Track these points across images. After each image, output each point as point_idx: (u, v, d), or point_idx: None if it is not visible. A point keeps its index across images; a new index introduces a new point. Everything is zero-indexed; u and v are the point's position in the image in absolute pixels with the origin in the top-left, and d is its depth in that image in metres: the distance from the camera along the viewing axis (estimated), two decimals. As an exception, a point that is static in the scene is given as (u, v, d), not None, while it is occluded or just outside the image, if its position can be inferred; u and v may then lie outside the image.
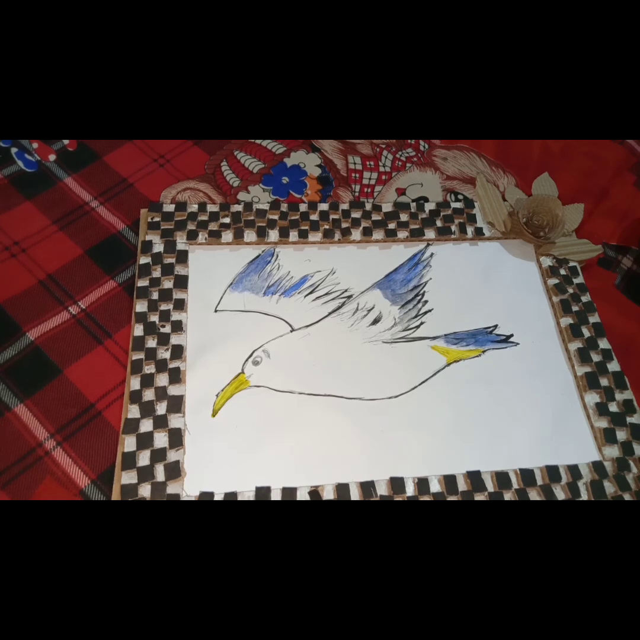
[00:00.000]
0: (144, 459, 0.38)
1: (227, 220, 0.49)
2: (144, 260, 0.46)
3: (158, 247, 0.47)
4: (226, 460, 0.39)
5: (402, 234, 0.51)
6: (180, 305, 0.44)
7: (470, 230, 0.52)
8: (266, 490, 0.38)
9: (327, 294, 0.47)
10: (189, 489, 0.38)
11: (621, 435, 0.43)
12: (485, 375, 0.45)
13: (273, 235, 0.49)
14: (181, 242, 0.47)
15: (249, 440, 0.40)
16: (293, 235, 0.49)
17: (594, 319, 0.48)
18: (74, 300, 0.45)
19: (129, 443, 0.39)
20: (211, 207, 0.50)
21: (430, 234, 0.51)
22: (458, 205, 0.53)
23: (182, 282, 0.45)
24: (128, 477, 0.37)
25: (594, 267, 0.52)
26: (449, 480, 0.39)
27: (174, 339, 0.43)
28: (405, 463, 0.40)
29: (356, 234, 0.50)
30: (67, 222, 0.49)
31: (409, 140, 0.59)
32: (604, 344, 0.47)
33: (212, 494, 0.37)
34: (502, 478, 0.40)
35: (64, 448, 0.39)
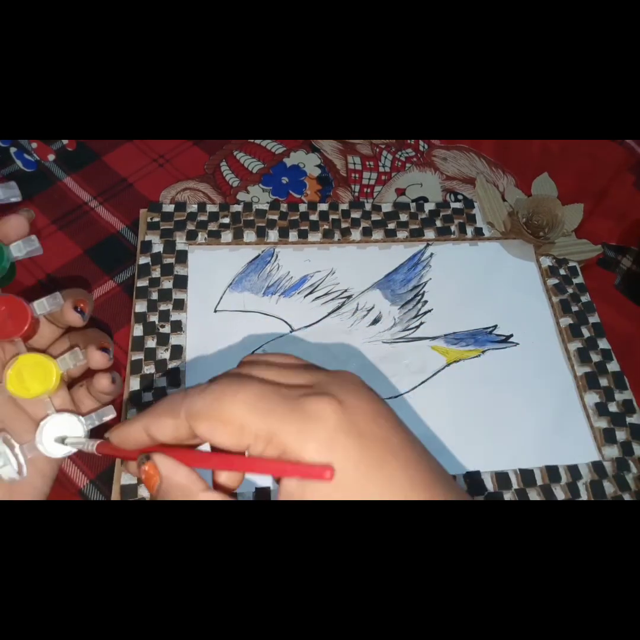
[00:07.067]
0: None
1: (226, 220, 0.49)
2: (143, 260, 0.46)
3: (157, 247, 0.47)
4: (226, 460, 0.39)
5: (402, 234, 0.51)
6: (179, 305, 0.44)
7: (469, 230, 0.52)
8: (266, 490, 0.38)
9: (326, 294, 0.47)
10: (188, 489, 0.38)
11: (621, 435, 0.43)
12: (484, 375, 0.45)
13: (273, 235, 0.49)
14: (181, 242, 0.47)
15: (249, 441, 0.40)
16: (293, 235, 0.49)
17: (593, 319, 0.48)
18: (74, 300, 0.45)
19: (128, 443, 0.39)
20: (211, 207, 0.50)
21: (429, 234, 0.51)
22: (458, 205, 0.53)
23: (181, 282, 0.45)
24: (128, 477, 0.37)
25: (593, 267, 0.52)
26: (449, 481, 0.39)
27: (174, 339, 0.43)
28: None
29: (356, 234, 0.50)
30: (66, 222, 0.49)
31: (409, 141, 0.59)
32: (603, 344, 0.47)
33: (211, 494, 0.37)
34: (502, 478, 0.40)
35: (63, 448, 0.39)
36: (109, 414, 0.31)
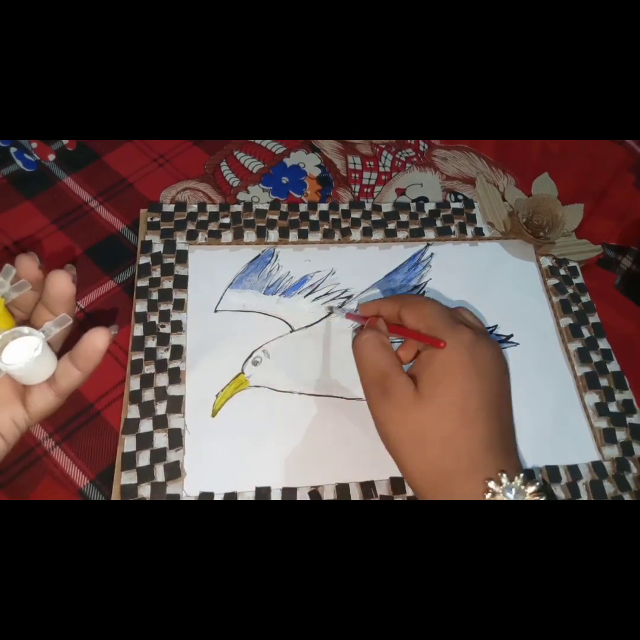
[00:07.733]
0: (143, 459, 0.38)
1: (226, 220, 0.49)
2: (143, 260, 0.46)
3: (158, 247, 0.47)
4: (226, 460, 0.39)
5: (402, 234, 0.51)
6: (180, 305, 0.44)
7: (470, 230, 0.52)
8: (266, 490, 0.38)
9: (327, 294, 0.47)
10: (188, 489, 0.38)
11: (621, 435, 0.43)
12: (485, 375, 0.45)
13: (273, 235, 0.49)
14: (181, 242, 0.47)
15: (249, 440, 0.40)
16: (293, 235, 0.49)
17: (593, 319, 0.48)
18: (74, 300, 0.45)
19: (128, 443, 0.39)
20: (211, 207, 0.50)
21: (430, 234, 0.51)
22: (458, 205, 0.53)
23: (181, 282, 0.45)
24: (128, 478, 0.37)
25: (593, 267, 0.52)
26: (449, 481, 0.39)
27: (174, 339, 0.43)
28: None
29: (356, 234, 0.50)
30: (66, 222, 0.49)
31: (409, 141, 0.59)
32: (603, 344, 0.47)
33: (212, 494, 0.37)
34: (502, 478, 0.40)
35: (62, 448, 0.39)
36: (66, 322, 0.31)
